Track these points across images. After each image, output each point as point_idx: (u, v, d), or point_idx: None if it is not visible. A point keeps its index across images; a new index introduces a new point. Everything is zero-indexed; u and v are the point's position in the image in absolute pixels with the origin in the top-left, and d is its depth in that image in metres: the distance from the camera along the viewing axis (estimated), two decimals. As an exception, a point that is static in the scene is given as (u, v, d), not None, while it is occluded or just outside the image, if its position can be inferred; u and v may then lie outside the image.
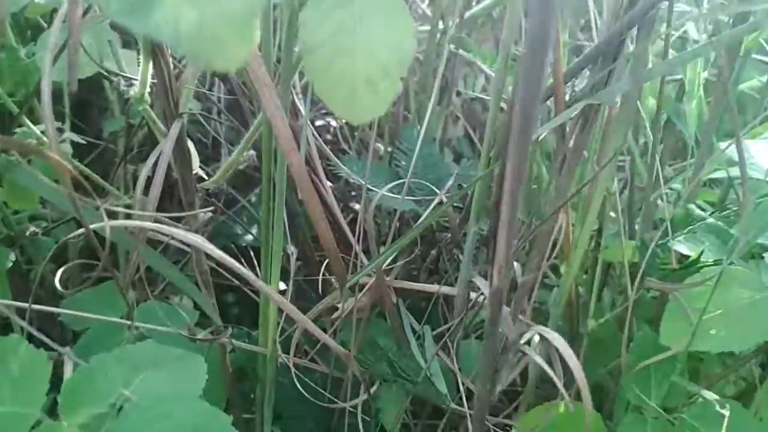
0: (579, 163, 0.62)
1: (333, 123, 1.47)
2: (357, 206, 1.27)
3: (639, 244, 0.68)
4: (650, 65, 0.63)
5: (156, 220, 0.55)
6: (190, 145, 0.72)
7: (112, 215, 0.55)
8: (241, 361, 0.85)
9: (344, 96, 0.40)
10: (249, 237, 1.17)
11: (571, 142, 0.62)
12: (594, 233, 0.75)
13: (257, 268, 1.19)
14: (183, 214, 0.62)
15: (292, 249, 1.03)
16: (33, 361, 0.50)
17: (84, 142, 0.80)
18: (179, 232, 0.46)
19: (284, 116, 0.43)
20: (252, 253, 1.17)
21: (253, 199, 1.24)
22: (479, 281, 0.66)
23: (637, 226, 0.77)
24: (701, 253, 0.64)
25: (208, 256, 0.58)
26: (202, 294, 0.66)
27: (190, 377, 0.52)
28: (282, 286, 1.02)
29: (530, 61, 0.36)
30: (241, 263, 1.21)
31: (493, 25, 1.33)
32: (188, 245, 0.56)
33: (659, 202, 0.75)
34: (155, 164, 0.56)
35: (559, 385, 0.63)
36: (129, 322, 0.66)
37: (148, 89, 0.60)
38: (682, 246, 0.65)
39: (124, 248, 0.83)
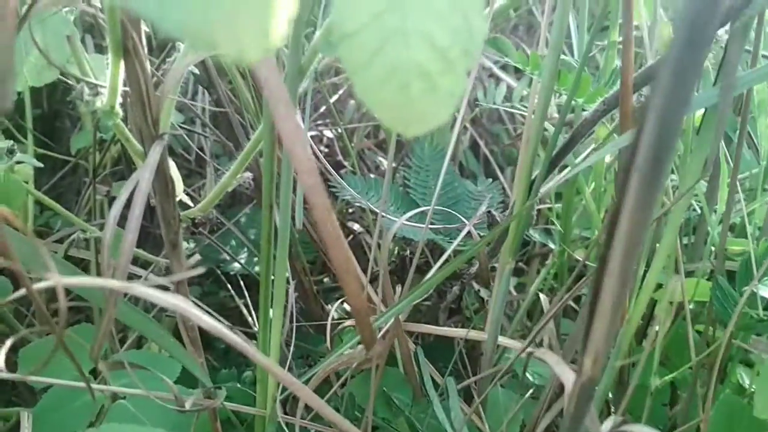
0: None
1: (328, 134, 1.35)
2: (355, 226, 1.15)
3: (715, 287, 0.57)
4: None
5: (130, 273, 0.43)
6: (173, 167, 0.60)
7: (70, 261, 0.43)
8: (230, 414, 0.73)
9: (392, 96, 0.29)
10: (237, 264, 1.04)
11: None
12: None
13: (247, 298, 1.08)
14: (160, 259, 0.50)
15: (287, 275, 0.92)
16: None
17: (41, 165, 0.68)
18: (157, 295, 0.34)
19: (306, 143, 0.31)
20: (241, 282, 1.06)
21: (243, 219, 1.12)
22: (542, 353, 0.54)
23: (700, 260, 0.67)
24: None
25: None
26: (188, 353, 0.54)
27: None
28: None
29: (677, 71, 0.25)
30: (228, 291, 1.09)
31: (514, 29, 1.23)
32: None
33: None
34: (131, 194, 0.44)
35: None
36: (100, 387, 0.54)
37: (119, 99, 0.48)
38: (768, 290, 0.54)
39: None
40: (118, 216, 0.41)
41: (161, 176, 0.46)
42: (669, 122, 0.25)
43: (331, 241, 0.33)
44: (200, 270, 0.38)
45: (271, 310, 0.55)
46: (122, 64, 0.44)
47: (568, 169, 0.61)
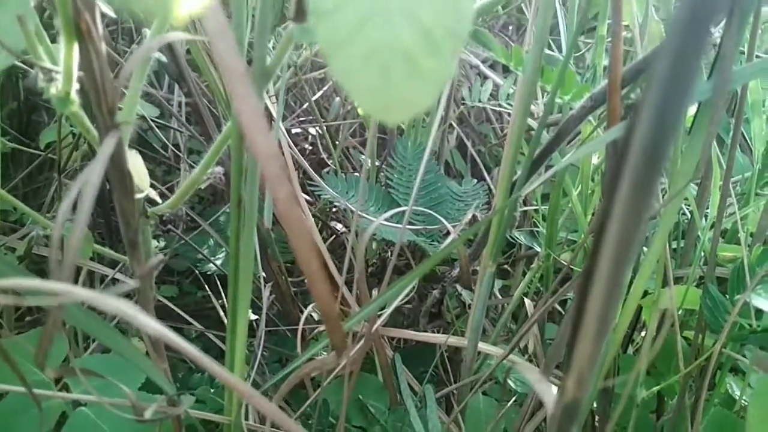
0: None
1: (312, 131, 1.32)
2: (338, 226, 1.12)
3: (705, 295, 0.55)
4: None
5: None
6: (139, 160, 0.56)
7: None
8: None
9: (372, 79, 0.26)
10: (216, 262, 1.01)
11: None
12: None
13: (224, 299, 1.04)
14: (122, 258, 0.47)
15: (263, 275, 0.89)
16: None
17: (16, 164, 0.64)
18: (106, 301, 0.31)
19: (265, 126, 0.28)
20: (219, 282, 1.02)
21: (222, 218, 1.08)
22: (524, 368, 0.51)
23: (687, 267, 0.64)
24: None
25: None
26: (151, 361, 0.51)
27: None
28: (252, 316, 0.87)
29: (676, 64, 0.22)
30: (205, 291, 1.05)
31: (503, 28, 1.20)
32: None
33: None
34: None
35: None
36: (54, 393, 0.51)
37: (76, 86, 0.45)
38: (762, 301, 0.51)
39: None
40: (69, 212, 0.38)
41: (117, 170, 0.43)
42: (667, 116, 0.23)
43: (295, 236, 0.30)
44: (157, 267, 0.35)
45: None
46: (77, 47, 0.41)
47: (554, 168, 0.59)
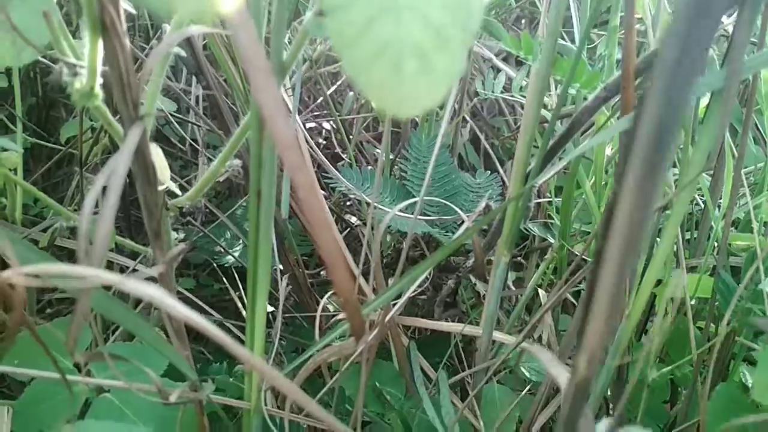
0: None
1: (326, 126, 1.33)
2: (353, 219, 1.13)
3: (718, 282, 0.56)
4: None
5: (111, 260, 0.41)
6: (160, 153, 0.58)
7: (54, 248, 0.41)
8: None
9: (384, 74, 0.27)
10: (234, 254, 1.02)
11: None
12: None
13: (242, 291, 1.06)
14: (148, 250, 0.49)
15: (280, 267, 0.90)
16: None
17: (21, 150, 0.66)
18: (135, 285, 0.32)
19: (286, 116, 0.29)
20: (236, 274, 1.04)
21: (239, 211, 1.10)
22: (536, 350, 0.52)
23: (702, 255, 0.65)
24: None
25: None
26: (173, 348, 0.52)
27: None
28: (269, 308, 0.88)
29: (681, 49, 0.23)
30: (223, 283, 1.07)
31: (516, 21, 1.21)
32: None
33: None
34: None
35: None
36: (81, 379, 0.52)
37: (100, 80, 0.46)
38: (775, 287, 0.52)
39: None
40: (94, 203, 0.39)
41: (141, 161, 0.44)
42: (673, 99, 0.24)
43: (316, 221, 0.31)
44: (179, 256, 0.36)
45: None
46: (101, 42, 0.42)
47: (567, 158, 0.59)
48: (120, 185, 0.38)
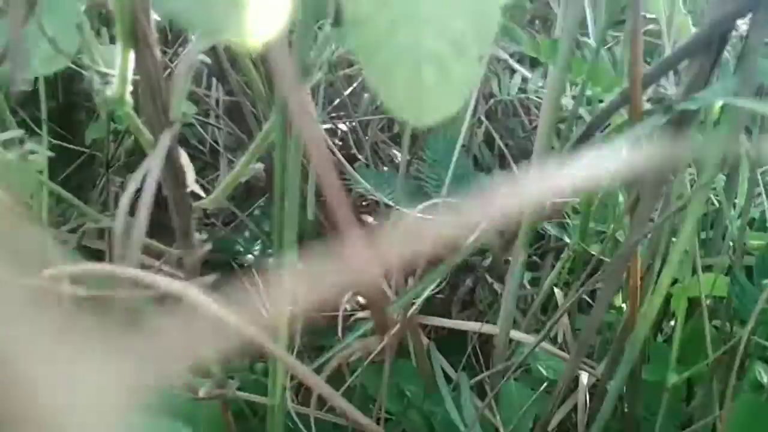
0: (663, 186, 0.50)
1: (342, 127, 1.35)
2: (369, 219, 1.15)
3: (733, 282, 0.56)
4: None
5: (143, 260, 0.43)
6: (185, 157, 0.59)
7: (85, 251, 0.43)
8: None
9: (403, 83, 0.28)
10: (253, 253, 1.04)
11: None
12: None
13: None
14: (172, 250, 0.50)
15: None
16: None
17: (52, 154, 0.68)
18: (170, 283, 0.34)
19: (313, 118, 0.30)
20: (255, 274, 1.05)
21: (257, 212, 1.12)
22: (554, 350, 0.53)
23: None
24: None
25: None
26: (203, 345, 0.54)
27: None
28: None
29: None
30: (242, 283, 1.09)
31: (530, 23, 1.21)
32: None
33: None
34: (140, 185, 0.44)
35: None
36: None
37: (130, 88, 0.47)
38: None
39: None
40: (129, 205, 0.41)
41: (171, 165, 0.46)
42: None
43: (342, 223, 0.33)
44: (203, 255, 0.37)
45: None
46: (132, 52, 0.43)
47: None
48: (153, 188, 0.40)
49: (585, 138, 0.53)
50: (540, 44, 0.58)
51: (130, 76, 0.46)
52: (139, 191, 0.45)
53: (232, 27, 0.21)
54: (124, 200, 0.40)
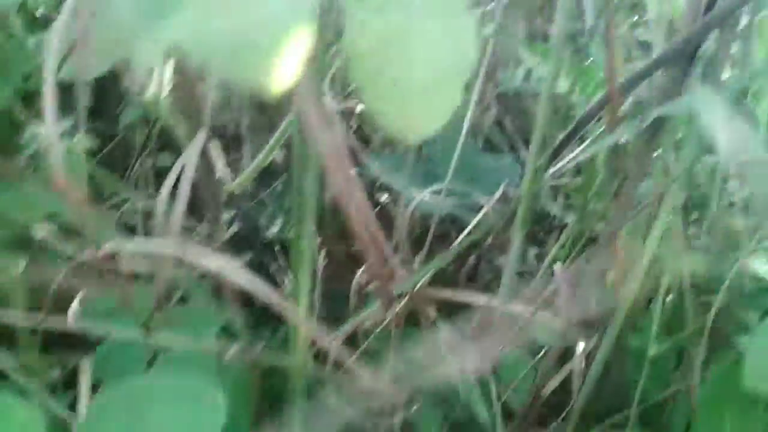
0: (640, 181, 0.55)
1: (358, 109, 1.40)
2: (382, 199, 1.20)
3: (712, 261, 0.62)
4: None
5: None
6: (216, 146, 0.66)
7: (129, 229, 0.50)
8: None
9: (396, 108, 0.35)
10: (274, 230, 1.11)
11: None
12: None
13: (281, 263, 1.14)
14: (200, 226, 0.57)
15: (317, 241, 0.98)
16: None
17: (95, 142, 0.75)
18: (210, 259, 0.40)
19: (325, 117, 0.37)
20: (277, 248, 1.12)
21: (279, 187, 1.18)
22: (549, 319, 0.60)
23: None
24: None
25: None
26: (230, 313, 0.61)
27: (209, 418, 0.47)
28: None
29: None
30: (263, 256, 1.16)
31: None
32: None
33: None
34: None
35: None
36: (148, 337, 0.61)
37: (167, 88, 0.54)
38: (761, 264, 0.58)
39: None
40: (171, 188, 0.47)
41: (205, 154, 0.53)
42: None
43: (354, 209, 0.39)
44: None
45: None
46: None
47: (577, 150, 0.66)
48: (192, 174, 0.47)
49: (573, 135, 0.59)
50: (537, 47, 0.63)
51: (168, 75, 0.53)
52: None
53: (251, 72, 0.27)
54: (167, 183, 0.47)
